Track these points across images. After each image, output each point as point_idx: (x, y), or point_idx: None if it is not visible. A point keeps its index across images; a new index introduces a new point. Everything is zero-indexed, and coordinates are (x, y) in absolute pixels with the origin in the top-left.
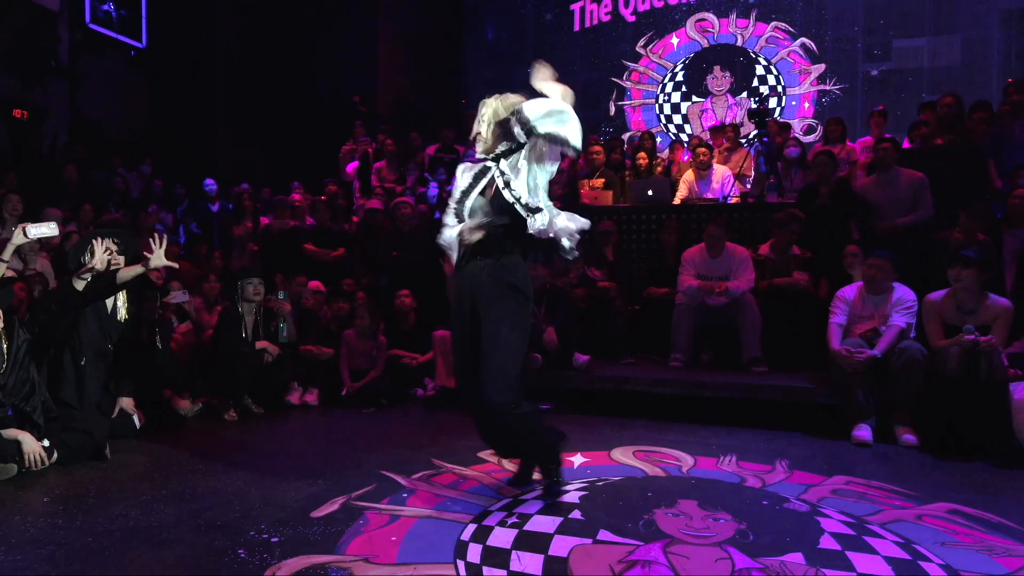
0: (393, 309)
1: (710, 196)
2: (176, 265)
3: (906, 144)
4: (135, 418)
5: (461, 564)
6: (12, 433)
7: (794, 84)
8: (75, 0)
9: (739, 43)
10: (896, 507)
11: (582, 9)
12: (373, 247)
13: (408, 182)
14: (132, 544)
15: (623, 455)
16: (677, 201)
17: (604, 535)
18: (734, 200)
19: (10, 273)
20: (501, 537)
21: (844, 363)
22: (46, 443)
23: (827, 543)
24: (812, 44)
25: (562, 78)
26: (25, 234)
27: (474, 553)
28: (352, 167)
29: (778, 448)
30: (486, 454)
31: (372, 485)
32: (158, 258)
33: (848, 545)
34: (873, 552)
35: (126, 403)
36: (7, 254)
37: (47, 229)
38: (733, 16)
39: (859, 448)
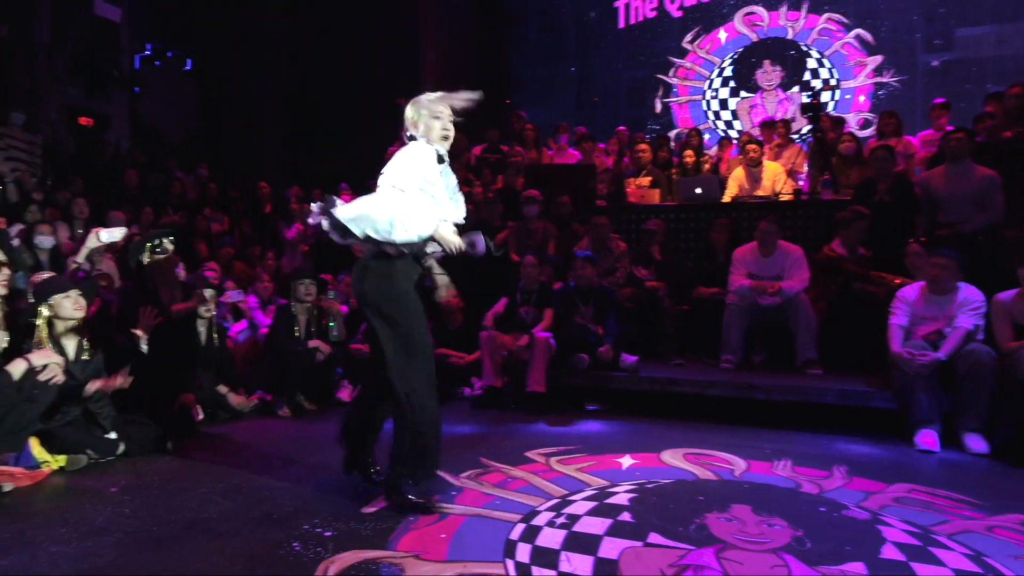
0: (440, 308)
1: (761, 194)
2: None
3: None
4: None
5: (510, 563)
6: (45, 354)
7: (849, 77)
8: (135, 12)
9: (790, 36)
10: (964, 517)
11: (627, 6)
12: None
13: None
14: (192, 534)
15: (673, 458)
16: (727, 199)
17: (654, 538)
18: (786, 197)
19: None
20: (550, 537)
21: (906, 366)
22: (113, 435)
23: (890, 553)
24: (867, 35)
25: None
26: (98, 238)
27: (523, 552)
28: None
29: (835, 453)
30: (533, 454)
31: None
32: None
33: (913, 556)
34: (940, 564)
35: (187, 398)
36: (82, 256)
37: (118, 234)
38: (783, 8)
39: (923, 455)
